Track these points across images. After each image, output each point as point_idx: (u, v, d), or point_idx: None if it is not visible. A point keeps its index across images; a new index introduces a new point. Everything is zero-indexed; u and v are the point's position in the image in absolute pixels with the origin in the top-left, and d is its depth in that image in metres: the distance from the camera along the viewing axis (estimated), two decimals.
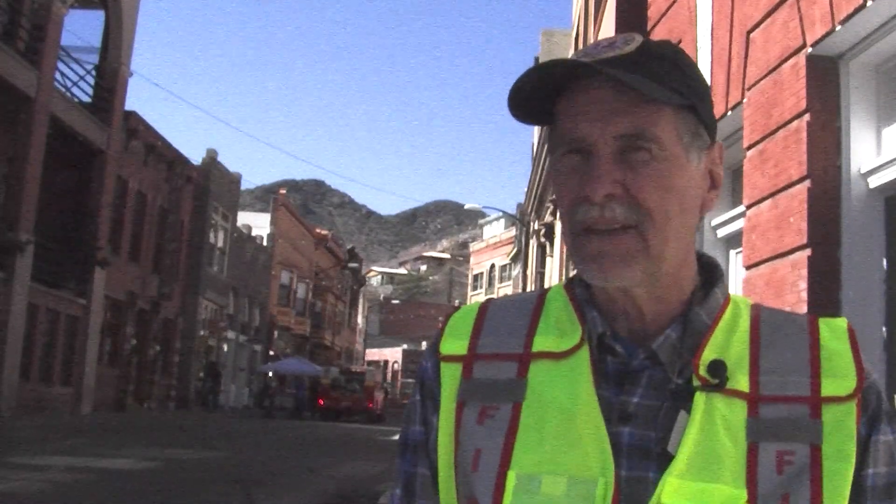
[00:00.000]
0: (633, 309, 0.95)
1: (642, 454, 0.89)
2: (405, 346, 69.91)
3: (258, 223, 44.44)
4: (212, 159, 35.60)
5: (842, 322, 0.95)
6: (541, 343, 0.96)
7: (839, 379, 0.90)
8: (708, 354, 0.91)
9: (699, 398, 0.89)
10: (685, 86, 0.92)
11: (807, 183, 4.72)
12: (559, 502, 0.87)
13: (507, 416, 0.93)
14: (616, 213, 0.90)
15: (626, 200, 0.90)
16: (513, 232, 51.49)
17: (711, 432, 0.88)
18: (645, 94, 0.88)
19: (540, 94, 0.94)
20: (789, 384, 0.90)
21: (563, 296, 1.01)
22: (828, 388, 0.89)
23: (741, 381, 0.90)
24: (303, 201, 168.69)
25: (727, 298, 0.98)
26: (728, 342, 0.93)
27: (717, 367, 0.90)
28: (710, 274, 1.00)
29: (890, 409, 0.93)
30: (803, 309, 4.56)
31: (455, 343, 1.00)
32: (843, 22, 4.43)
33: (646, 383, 0.92)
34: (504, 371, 0.96)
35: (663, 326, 0.94)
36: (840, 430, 0.88)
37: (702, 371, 0.90)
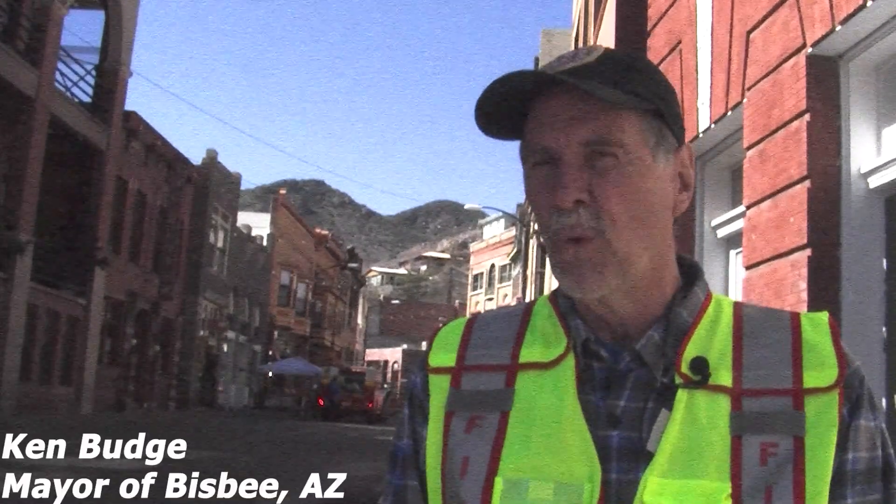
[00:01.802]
0: (613, 318, 0.97)
1: (632, 456, 0.90)
2: (405, 346, 69.91)
3: (258, 223, 44.43)
4: (212, 159, 35.62)
5: (823, 316, 0.97)
6: (527, 354, 0.98)
7: (821, 370, 0.91)
8: (690, 352, 0.93)
9: (681, 395, 0.90)
10: (647, 90, 0.93)
11: (807, 183, 4.72)
12: None
13: (495, 425, 0.94)
14: (582, 219, 0.91)
15: (593, 207, 0.91)
16: (513, 232, 51.49)
17: (693, 428, 0.89)
18: (604, 100, 0.89)
19: (507, 109, 0.95)
20: (772, 377, 0.91)
21: (548, 307, 1.02)
22: (810, 380, 0.90)
23: (724, 377, 0.91)
24: (303, 201, 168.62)
25: (708, 296, 0.99)
26: (710, 339, 0.94)
27: (699, 364, 0.91)
28: (690, 274, 1.01)
29: (872, 396, 0.94)
30: (803, 309, 4.55)
31: (443, 356, 1.02)
32: (843, 22, 4.43)
33: (632, 385, 0.93)
34: (492, 382, 0.97)
35: (646, 328, 0.96)
36: (822, 420, 0.89)
37: (684, 368, 0.91)
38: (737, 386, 0.91)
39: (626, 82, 0.92)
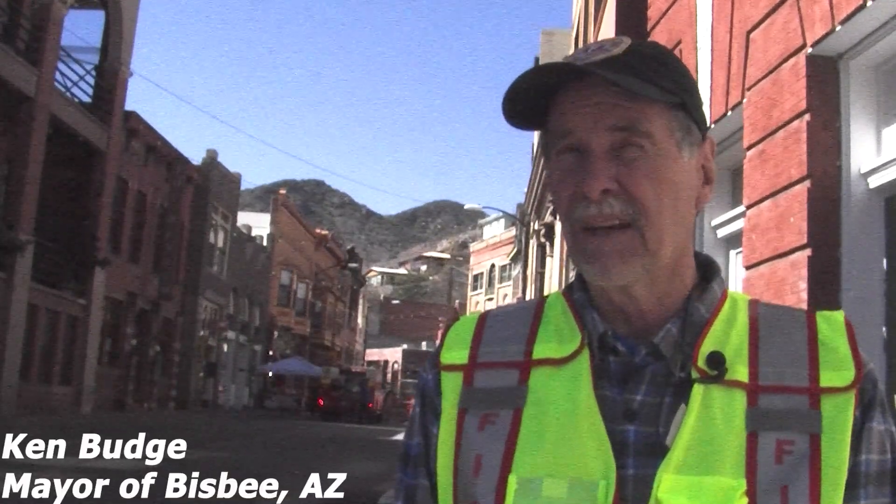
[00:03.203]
0: (633, 308, 0.96)
1: (649, 451, 0.89)
2: (405, 346, 69.96)
3: (258, 223, 44.43)
4: (212, 159, 35.62)
5: (839, 315, 0.96)
6: (541, 350, 0.97)
7: (838, 371, 0.91)
8: (706, 346, 0.92)
9: (697, 390, 0.90)
10: (673, 84, 0.93)
11: (807, 183, 4.72)
12: None
13: (508, 422, 0.93)
14: (614, 208, 0.91)
15: (622, 195, 0.91)
16: (513, 232, 51.44)
17: (709, 423, 0.88)
18: (634, 92, 0.89)
19: (533, 99, 0.95)
20: (788, 375, 0.91)
21: (561, 302, 1.01)
22: (827, 380, 0.90)
23: (740, 372, 0.91)
24: (303, 201, 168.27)
25: (724, 293, 0.99)
26: (727, 334, 0.94)
27: (716, 359, 0.91)
28: (707, 270, 1.00)
29: (884, 399, 0.93)
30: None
31: (455, 353, 1.01)
32: (843, 22, 4.43)
33: (649, 379, 0.93)
34: (505, 379, 0.96)
35: (663, 322, 0.95)
36: (839, 421, 0.89)
37: (700, 363, 0.91)
38: (753, 382, 0.90)
39: (653, 75, 0.92)
